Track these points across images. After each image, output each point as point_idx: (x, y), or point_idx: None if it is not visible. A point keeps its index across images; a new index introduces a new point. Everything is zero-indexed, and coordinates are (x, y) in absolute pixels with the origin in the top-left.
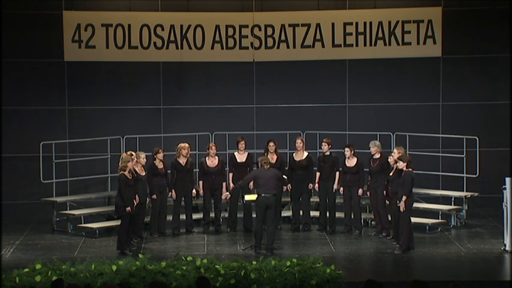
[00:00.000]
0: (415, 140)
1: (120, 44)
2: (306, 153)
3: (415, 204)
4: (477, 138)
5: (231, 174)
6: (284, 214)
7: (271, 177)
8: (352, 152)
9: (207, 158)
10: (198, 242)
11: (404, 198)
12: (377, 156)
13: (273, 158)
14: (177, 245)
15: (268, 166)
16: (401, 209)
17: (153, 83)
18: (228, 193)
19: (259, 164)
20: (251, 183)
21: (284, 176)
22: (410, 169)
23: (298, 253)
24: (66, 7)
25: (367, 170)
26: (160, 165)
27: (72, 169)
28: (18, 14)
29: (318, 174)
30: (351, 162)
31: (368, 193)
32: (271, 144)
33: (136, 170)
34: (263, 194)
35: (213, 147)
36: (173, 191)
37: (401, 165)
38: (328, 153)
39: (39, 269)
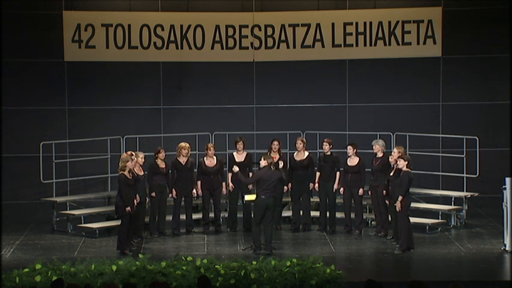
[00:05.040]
0: (415, 140)
1: (120, 44)
2: (306, 153)
3: (416, 204)
4: (477, 138)
5: (230, 174)
6: (284, 214)
7: (274, 180)
8: (355, 151)
9: (205, 158)
10: (198, 242)
11: (400, 198)
12: (380, 155)
13: (275, 157)
14: (177, 245)
15: (274, 168)
16: (397, 209)
17: (153, 83)
18: (232, 184)
19: (266, 162)
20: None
21: (283, 174)
22: (408, 169)
23: (298, 253)
24: (66, 7)
25: (369, 170)
26: (162, 165)
27: (72, 169)
28: (18, 14)
29: (318, 174)
30: (353, 161)
31: (369, 192)
32: (276, 143)
33: (135, 169)
34: (263, 196)
35: (212, 148)
36: (174, 190)
37: (402, 164)
38: (329, 153)
39: (39, 269)
